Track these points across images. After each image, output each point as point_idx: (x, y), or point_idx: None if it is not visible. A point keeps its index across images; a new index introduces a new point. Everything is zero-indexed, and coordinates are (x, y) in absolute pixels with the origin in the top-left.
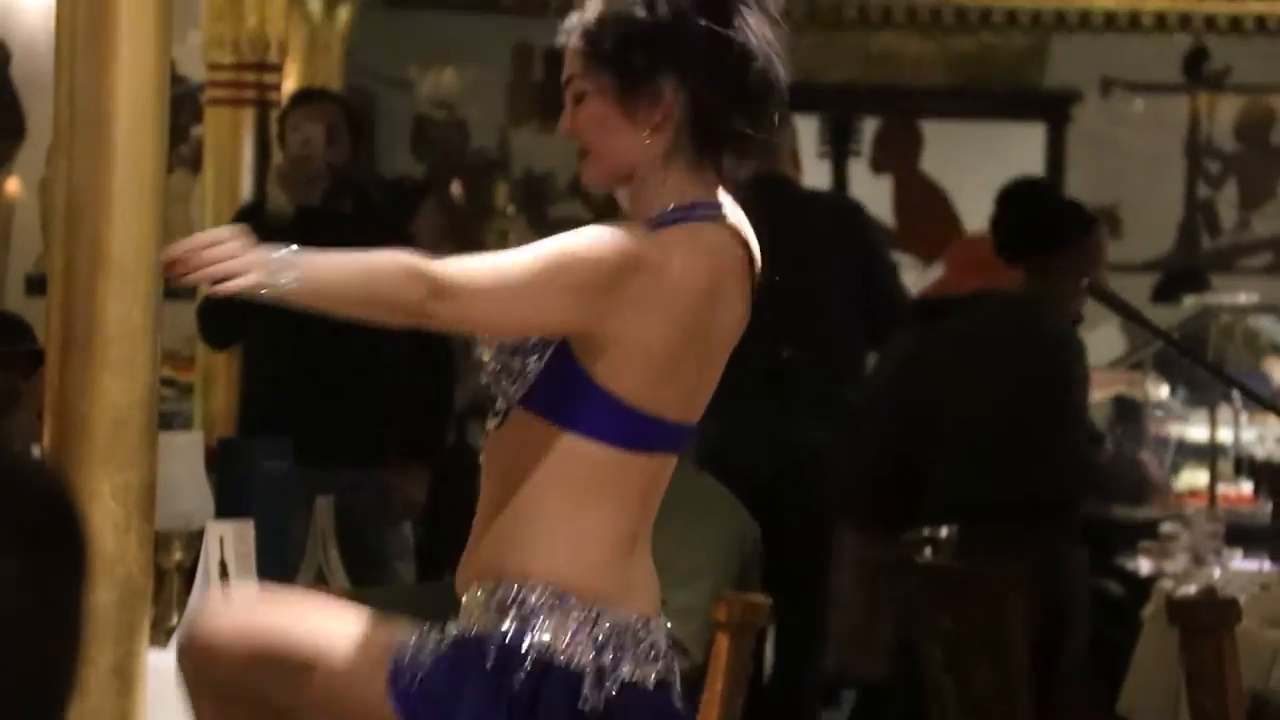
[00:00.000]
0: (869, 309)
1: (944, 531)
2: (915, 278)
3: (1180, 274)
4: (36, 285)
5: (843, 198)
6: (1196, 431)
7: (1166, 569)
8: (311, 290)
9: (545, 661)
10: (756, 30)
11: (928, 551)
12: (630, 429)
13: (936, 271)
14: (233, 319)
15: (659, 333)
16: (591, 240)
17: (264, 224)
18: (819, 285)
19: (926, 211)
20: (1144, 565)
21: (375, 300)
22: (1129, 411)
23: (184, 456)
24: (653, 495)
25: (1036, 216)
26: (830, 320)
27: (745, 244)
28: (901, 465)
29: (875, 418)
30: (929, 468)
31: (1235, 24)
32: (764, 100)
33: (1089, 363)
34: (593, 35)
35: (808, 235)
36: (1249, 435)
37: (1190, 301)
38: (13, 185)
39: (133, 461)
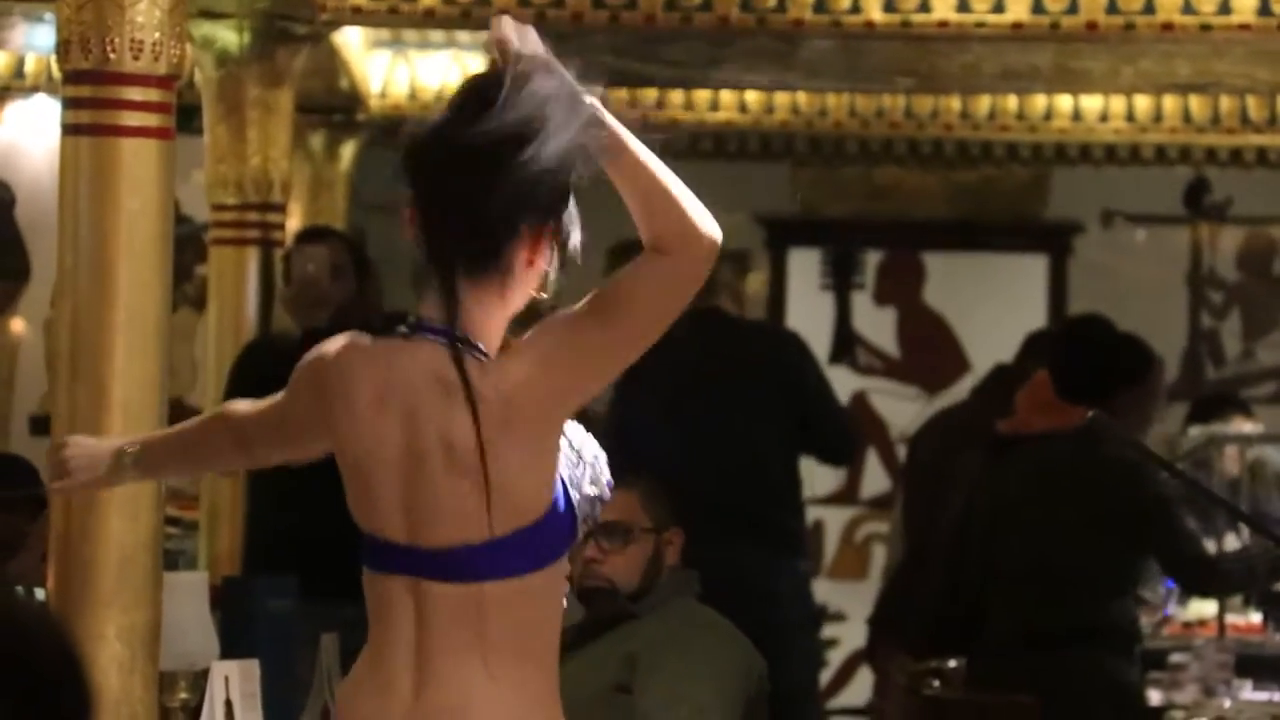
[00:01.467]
0: (813, 433)
1: (952, 663)
2: (919, 409)
3: (1197, 402)
4: (41, 426)
5: (778, 328)
6: None
7: (1176, 699)
8: (150, 473)
9: None
10: (459, 135)
11: (935, 683)
12: (365, 549)
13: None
14: None
15: (339, 448)
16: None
17: (269, 357)
18: (749, 413)
19: (930, 343)
20: (1154, 696)
21: (207, 463)
22: None
23: (188, 597)
24: (420, 614)
25: (1099, 357)
26: (762, 447)
27: (454, 360)
28: (965, 593)
29: (948, 547)
30: (992, 596)
31: (1236, 156)
32: (454, 206)
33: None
34: None
35: (738, 365)
36: None
37: (1196, 431)
38: (17, 326)
39: (138, 602)
